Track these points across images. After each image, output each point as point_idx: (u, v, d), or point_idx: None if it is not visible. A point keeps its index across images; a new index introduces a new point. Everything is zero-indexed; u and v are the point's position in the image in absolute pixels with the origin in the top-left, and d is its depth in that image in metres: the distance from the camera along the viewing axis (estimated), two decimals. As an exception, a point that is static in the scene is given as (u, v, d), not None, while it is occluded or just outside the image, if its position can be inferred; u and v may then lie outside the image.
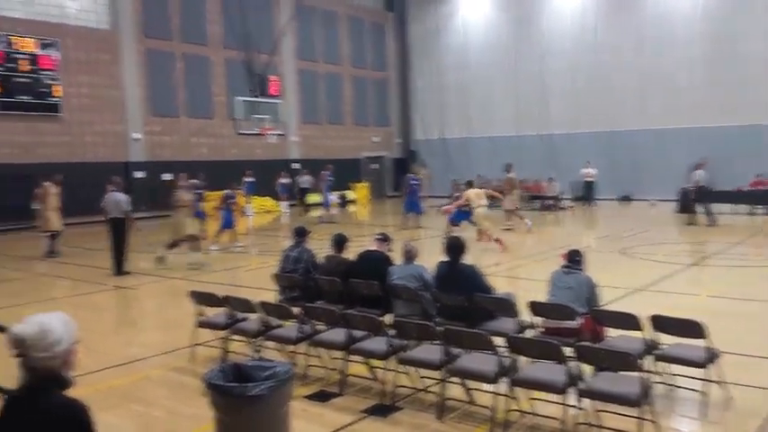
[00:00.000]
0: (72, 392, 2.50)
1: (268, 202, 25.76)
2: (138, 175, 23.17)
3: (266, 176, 24.18)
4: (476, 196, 14.68)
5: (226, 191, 15.50)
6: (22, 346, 2.42)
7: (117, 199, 12.04)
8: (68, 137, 21.94)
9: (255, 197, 24.76)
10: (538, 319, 6.01)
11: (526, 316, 6.07)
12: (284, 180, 25.07)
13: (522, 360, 5.25)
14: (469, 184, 15.97)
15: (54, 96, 21.45)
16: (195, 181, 17.95)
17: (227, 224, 15.54)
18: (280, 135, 24.14)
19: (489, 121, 30.68)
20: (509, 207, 18.16)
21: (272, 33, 25.42)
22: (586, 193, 25.82)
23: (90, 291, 10.80)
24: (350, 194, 29.32)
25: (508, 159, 28.53)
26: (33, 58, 20.92)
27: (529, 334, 5.97)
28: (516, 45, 29.55)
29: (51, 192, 14.62)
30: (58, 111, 21.54)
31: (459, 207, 15.24)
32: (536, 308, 5.98)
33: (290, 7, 26.47)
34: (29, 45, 20.82)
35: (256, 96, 21.87)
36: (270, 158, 26.58)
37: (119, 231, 12.02)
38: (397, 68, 34.49)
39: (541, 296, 6.18)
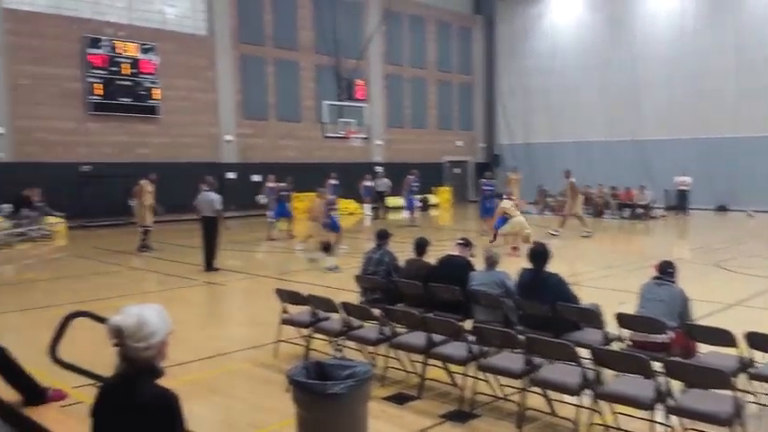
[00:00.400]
0: (161, 382, 2.63)
1: (351, 204, 26.10)
2: (230, 175, 23.99)
3: (350, 179, 24.51)
4: (512, 207, 15.06)
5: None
6: (120, 337, 2.56)
7: (210, 198, 12.49)
8: (165, 138, 23.01)
9: (339, 199, 25.12)
10: (625, 332, 5.82)
11: (613, 328, 5.89)
12: (368, 183, 25.32)
13: (608, 373, 5.10)
14: (499, 197, 16.52)
15: (153, 99, 22.54)
16: (283, 184, 18.61)
17: (335, 227, 15.89)
18: (364, 138, 24.43)
19: (577, 125, 29.93)
20: (577, 212, 18.18)
21: (361, 39, 25.79)
22: (680, 203, 24.77)
23: (180, 285, 11.28)
24: (432, 198, 29.28)
25: (597, 165, 28.00)
26: (135, 62, 22.06)
27: (615, 347, 5.79)
28: (608, 48, 28.69)
29: (147, 189, 15.37)
30: (156, 113, 22.62)
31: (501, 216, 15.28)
32: (624, 320, 5.78)
33: (379, 13, 26.75)
34: (131, 50, 21.98)
35: (343, 100, 22.23)
36: (354, 161, 26.94)
37: (210, 230, 12.47)
38: (482, 72, 34.22)
39: (630, 308, 5.97)
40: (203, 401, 5.54)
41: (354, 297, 7.77)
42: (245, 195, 23.23)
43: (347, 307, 6.47)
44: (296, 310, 6.90)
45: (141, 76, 22.22)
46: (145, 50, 22.28)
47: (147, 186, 15.40)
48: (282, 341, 6.80)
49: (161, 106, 22.71)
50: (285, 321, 6.84)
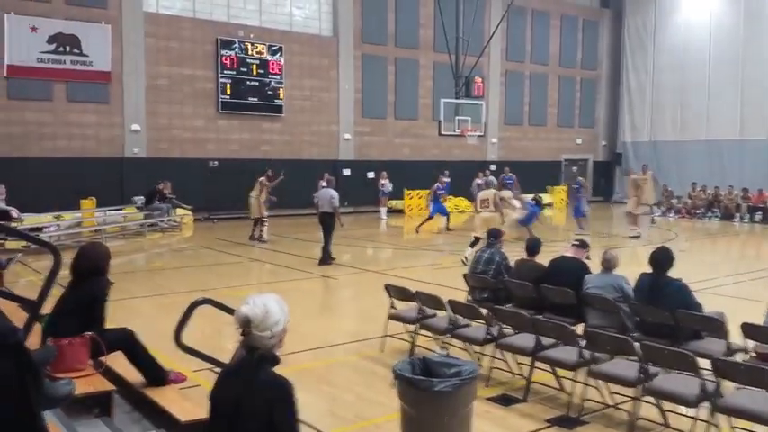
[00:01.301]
0: (277, 370, 2.76)
1: (463, 202, 25.95)
2: (346, 172, 24.57)
3: (463, 177, 24.36)
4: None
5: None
6: (247, 325, 2.70)
7: (330, 195, 12.90)
8: (288, 136, 23.90)
9: (451, 197, 25.06)
10: (751, 343, 5.44)
11: (737, 338, 5.53)
12: (480, 181, 25.05)
13: (728, 386, 4.80)
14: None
15: (279, 99, 23.48)
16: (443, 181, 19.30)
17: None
18: (480, 136, 24.20)
19: (707, 123, 28.09)
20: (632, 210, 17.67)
21: (482, 35, 25.54)
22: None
23: (296, 277, 11.71)
24: (546, 198, 28.52)
25: (728, 164, 26.17)
26: (263, 63, 23.07)
27: (739, 358, 5.43)
28: (743, 43, 26.65)
29: (265, 184, 16.08)
30: (280, 112, 23.55)
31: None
32: (749, 330, 5.42)
33: (502, 8, 26.38)
34: (260, 51, 23.00)
35: (460, 98, 22.13)
36: (468, 159, 26.75)
37: (328, 225, 12.92)
38: (608, 67, 32.87)
39: (758, 318, 5.58)
40: (311, 391, 5.74)
41: (462, 295, 7.76)
42: (360, 192, 23.70)
43: (454, 305, 6.47)
44: (403, 306, 6.98)
45: (269, 76, 23.19)
46: (273, 52, 23.23)
47: (264, 181, 16.12)
48: (389, 336, 6.91)
49: (285, 105, 23.60)
50: (392, 316, 6.94)
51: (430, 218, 19.12)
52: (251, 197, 16.41)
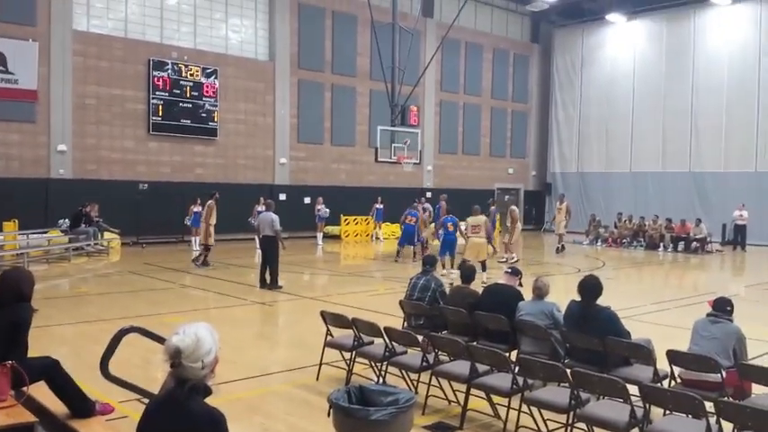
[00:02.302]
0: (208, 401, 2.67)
1: (399, 229, 26.13)
2: (282, 197, 24.39)
3: (399, 204, 24.56)
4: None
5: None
6: (177, 357, 2.60)
7: (271, 218, 12.87)
8: (222, 159, 23.56)
9: (386, 224, 25.22)
10: (677, 370, 5.64)
11: (664, 365, 5.71)
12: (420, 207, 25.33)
13: (657, 412, 4.94)
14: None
15: (213, 121, 23.14)
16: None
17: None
18: (415, 164, 24.51)
19: (633, 155, 29.39)
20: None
21: (417, 66, 25.99)
22: (737, 237, 23.96)
23: (230, 304, 11.45)
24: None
25: (652, 195, 27.36)
26: (197, 86, 22.74)
27: (666, 384, 5.61)
28: (666, 78, 28.16)
29: (213, 208, 15.70)
30: (215, 135, 23.22)
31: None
32: (675, 357, 5.61)
33: (437, 41, 26.94)
34: (194, 73, 22.68)
35: (396, 126, 22.40)
36: (404, 186, 27.02)
37: (270, 249, 12.82)
38: (538, 100, 34.03)
39: (683, 344, 5.79)
40: (244, 421, 5.58)
41: (398, 322, 7.75)
42: (296, 217, 23.56)
43: (391, 332, 6.45)
44: (340, 333, 6.92)
45: (203, 98, 22.87)
46: (207, 74, 22.95)
47: (213, 206, 15.74)
48: (325, 364, 6.82)
49: (219, 128, 23.30)
50: (329, 344, 6.86)
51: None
52: (200, 222, 16.02)
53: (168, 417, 2.59)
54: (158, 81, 21.84)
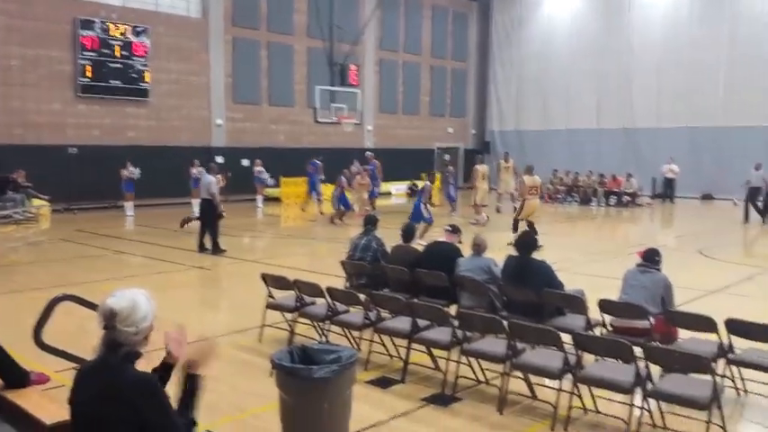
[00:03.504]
0: (143, 367, 2.63)
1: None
2: (219, 159, 23.90)
3: (340, 164, 24.45)
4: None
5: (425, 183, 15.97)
6: (112, 320, 2.53)
7: (207, 181, 12.53)
8: (155, 121, 22.85)
9: (327, 184, 25.08)
10: (607, 317, 5.88)
11: (596, 313, 5.95)
12: (355, 168, 25.28)
13: (589, 358, 5.17)
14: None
15: (144, 82, 22.34)
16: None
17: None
18: (356, 124, 24.36)
19: (569, 113, 29.97)
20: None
21: (356, 24, 25.63)
22: (666, 191, 24.94)
23: (167, 270, 11.26)
24: (420, 184, 29.24)
25: (587, 153, 28.06)
26: (126, 45, 21.83)
27: (597, 332, 5.85)
28: (602, 36, 28.66)
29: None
30: (146, 96, 22.44)
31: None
32: (606, 306, 5.85)
33: (375, -2, 26.59)
34: (123, 32, 21.74)
35: (336, 85, 22.15)
36: (344, 146, 26.84)
37: (207, 212, 12.52)
38: (476, 59, 34.13)
39: (614, 294, 6.03)
40: (187, 384, 5.54)
41: (340, 282, 7.80)
42: (235, 179, 23.17)
43: (333, 292, 6.49)
44: (281, 295, 6.91)
45: (133, 58, 22.01)
46: (137, 33, 22.05)
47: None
48: (267, 326, 6.82)
49: (151, 89, 22.52)
50: (270, 306, 6.85)
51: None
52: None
53: (100, 383, 2.53)
54: (86, 41, 20.87)
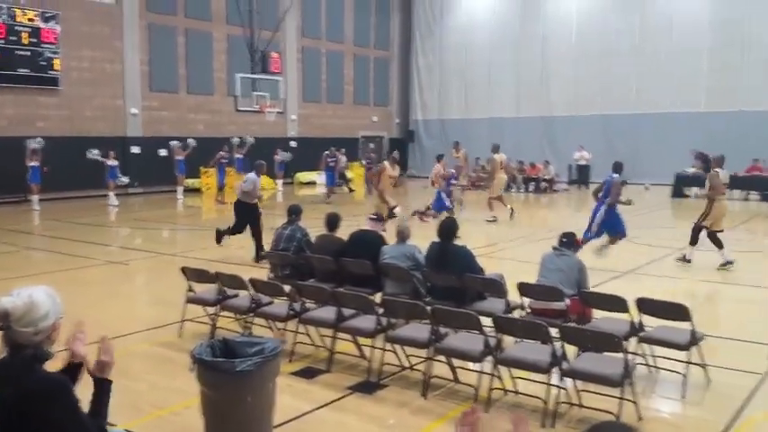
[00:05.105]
0: (56, 367, 2.51)
1: (264, 179, 25.69)
2: (135, 150, 23.11)
3: (263, 154, 24.07)
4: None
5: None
6: (5, 320, 2.40)
7: (253, 180, 11.14)
8: (67, 110, 21.80)
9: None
10: (526, 300, 6.05)
11: (516, 297, 6.11)
12: (280, 157, 25.07)
13: (509, 340, 5.30)
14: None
15: (54, 70, 21.26)
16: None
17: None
18: (279, 113, 24.03)
19: (490, 102, 30.55)
20: (492, 194, 16.61)
21: (277, 10, 25.20)
22: (581, 177, 25.90)
23: (81, 265, 10.80)
24: (348, 174, 29.24)
25: (508, 141, 28.63)
26: (35, 31, 20.70)
27: (517, 315, 6.01)
28: (520, 26, 29.32)
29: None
30: (57, 84, 21.38)
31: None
32: (525, 289, 6.02)
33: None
34: (32, 18, 20.58)
35: (257, 73, 21.76)
36: (267, 136, 26.43)
37: (253, 216, 11.01)
38: (399, 48, 34.24)
39: (532, 278, 6.21)
40: (104, 383, 5.35)
41: (264, 273, 7.70)
42: (152, 171, 22.48)
43: (256, 283, 6.40)
44: (202, 289, 6.76)
45: (42, 45, 20.88)
46: (46, 19, 20.93)
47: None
48: (188, 320, 6.66)
49: (62, 77, 21.47)
50: (191, 300, 6.69)
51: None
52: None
53: (5, 385, 2.40)
54: (-10, 27, 19.68)
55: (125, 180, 20.13)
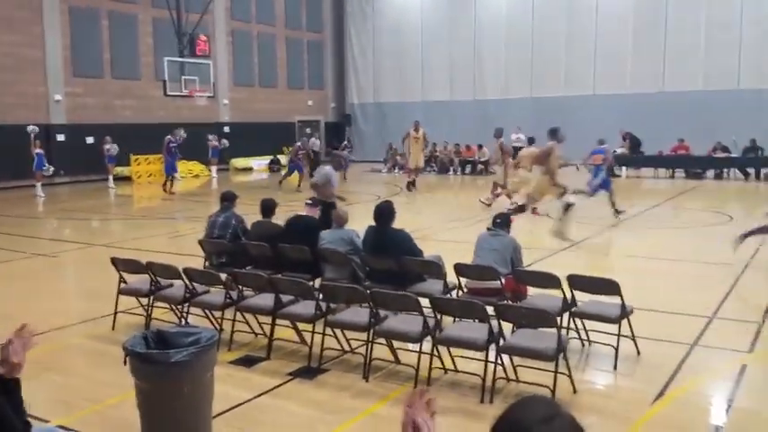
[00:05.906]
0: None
1: (196, 166, 25.21)
2: (60, 138, 22.20)
3: (194, 140, 23.53)
4: None
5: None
6: None
7: (330, 175, 10.26)
8: (-17, 98, 20.75)
9: (183, 161, 24.14)
10: (463, 280, 6.15)
11: (453, 277, 6.19)
12: (215, 143, 24.59)
13: (448, 320, 5.38)
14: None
15: (-33, 55, 20.16)
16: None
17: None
18: (209, 97, 23.51)
19: (424, 85, 30.73)
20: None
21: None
22: (515, 158, 26.39)
23: (7, 258, 10.34)
24: (283, 159, 28.92)
25: (443, 124, 28.99)
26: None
27: (455, 295, 6.10)
28: (453, 9, 29.51)
29: None
30: (-29, 70, 20.29)
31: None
32: (461, 269, 6.11)
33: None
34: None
35: (185, 57, 21.19)
36: (199, 121, 25.84)
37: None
38: (332, 30, 33.93)
39: (469, 258, 6.30)
40: (36, 380, 5.13)
41: (199, 262, 7.55)
42: (78, 159, 21.66)
43: (190, 273, 6.27)
44: (135, 279, 6.58)
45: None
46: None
47: None
48: (121, 312, 6.48)
49: (-23, 63, 20.37)
50: (123, 292, 6.51)
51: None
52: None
53: None
54: None
55: (50, 169, 19.13)
